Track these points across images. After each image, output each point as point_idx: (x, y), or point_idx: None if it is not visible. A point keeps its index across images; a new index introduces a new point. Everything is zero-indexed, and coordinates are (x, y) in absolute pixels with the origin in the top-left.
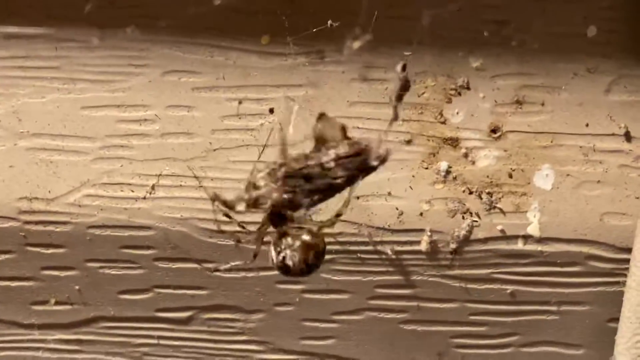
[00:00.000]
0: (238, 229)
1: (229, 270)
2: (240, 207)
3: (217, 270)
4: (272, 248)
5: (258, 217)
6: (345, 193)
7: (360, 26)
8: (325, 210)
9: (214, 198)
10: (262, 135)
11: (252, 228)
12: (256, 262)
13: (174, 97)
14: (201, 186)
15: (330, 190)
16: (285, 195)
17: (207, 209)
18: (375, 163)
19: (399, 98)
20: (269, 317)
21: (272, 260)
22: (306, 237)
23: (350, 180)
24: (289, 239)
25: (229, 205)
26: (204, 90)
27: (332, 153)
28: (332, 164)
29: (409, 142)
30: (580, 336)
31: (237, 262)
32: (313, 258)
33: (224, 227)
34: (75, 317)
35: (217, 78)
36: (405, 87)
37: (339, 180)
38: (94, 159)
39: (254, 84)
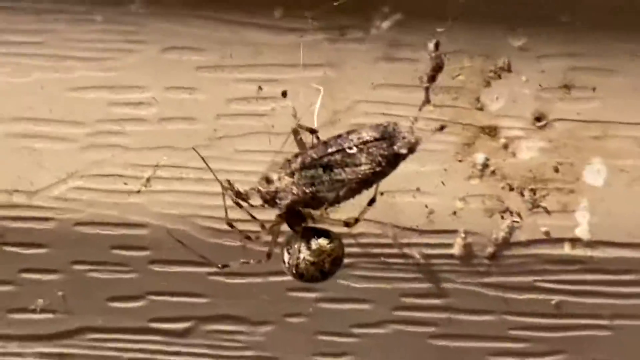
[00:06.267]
0: (247, 229)
1: (240, 269)
2: (255, 201)
3: (226, 266)
4: (284, 250)
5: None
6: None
7: (389, 4)
8: (344, 207)
9: (227, 187)
10: (273, 122)
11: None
12: (268, 264)
13: (174, 77)
14: (209, 169)
15: (355, 183)
16: (306, 190)
17: (211, 204)
18: (403, 150)
19: (432, 79)
20: (279, 329)
21: (284, 262)
22: (323, 242)
23: (377, 173)
24: (303, 242)
25: (243, 197)
26: (207, 70)
27: (354, 137)
28: (354, 150)
29: (441, 130)
30: (637, 355)
31: (250, 260)
32: (329, 265)
33: (234, 223)
34: (58, 328)
35: (223, 56)
36: (438, 67)
37: (363, 168)
38: (82, 147)
39: (265, 63)
